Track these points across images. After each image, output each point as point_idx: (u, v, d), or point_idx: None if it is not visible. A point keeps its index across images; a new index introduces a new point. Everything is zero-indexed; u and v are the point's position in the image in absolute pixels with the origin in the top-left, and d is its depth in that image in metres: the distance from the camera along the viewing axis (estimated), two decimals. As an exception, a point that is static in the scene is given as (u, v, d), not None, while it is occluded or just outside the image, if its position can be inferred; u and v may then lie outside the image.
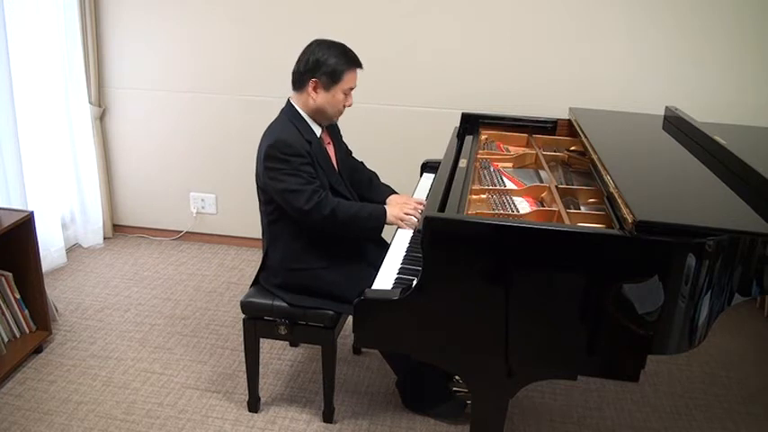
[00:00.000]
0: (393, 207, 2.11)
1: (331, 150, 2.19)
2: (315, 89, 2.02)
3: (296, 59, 2.07)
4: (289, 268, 2.10)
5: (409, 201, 2.18)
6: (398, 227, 2.09)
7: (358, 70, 2.07)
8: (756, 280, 1.51)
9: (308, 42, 2.07)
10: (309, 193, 1.96)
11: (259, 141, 2.07)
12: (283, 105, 2.13)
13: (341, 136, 2.31)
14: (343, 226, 2.02)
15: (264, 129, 2.09)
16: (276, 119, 2.11)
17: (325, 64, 1.99)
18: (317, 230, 2.05)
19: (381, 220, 2.06)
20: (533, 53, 3.03)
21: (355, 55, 2.05)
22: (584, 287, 1.46)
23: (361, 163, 2.40)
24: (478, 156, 2.29)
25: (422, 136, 3.18)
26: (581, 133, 2.19)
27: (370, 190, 2.33)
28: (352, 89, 2.07)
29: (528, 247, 1.47)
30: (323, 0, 3.11)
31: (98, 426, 2.18)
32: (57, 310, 2.83)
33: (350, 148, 2.37)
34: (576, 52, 3.00)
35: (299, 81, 2.06)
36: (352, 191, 2.23)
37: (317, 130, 2.10)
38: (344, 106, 2.08)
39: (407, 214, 2.08)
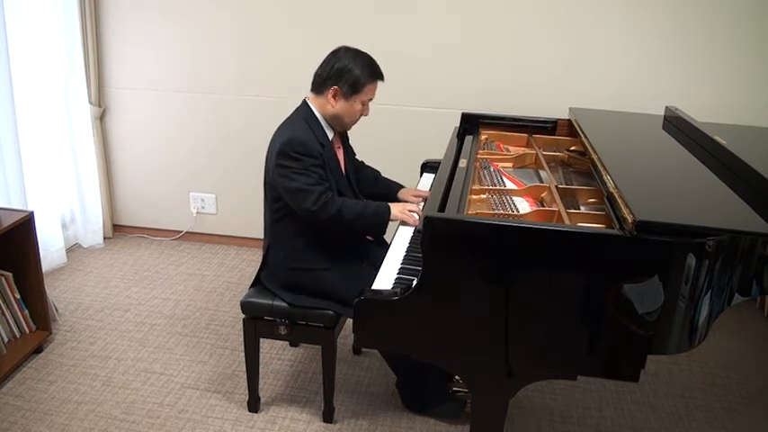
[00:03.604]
0: (397, 204, 2.12)
1: (340, 155, 2.20)
2: (334, 97, 2.03)
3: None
4: (289, 267, 2.10)
5: (418, 192, 2.19)
6: (402, 221, 2.11)
7: (379, 82, 2.08)
8: (756, 280, 1.51)
9: (328, 45, 2.08)
10: (318, 194, 1.97)
11: (261, 140, 2.07)
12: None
13: (348, 140, 2.32)
14: (349, 224, 2.02)
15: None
16: (290, 117, 2.11)
17: (349, 73, 2.00)
18: (321, 229, 2.06)
19: (386, 216, 2.06)
20: (533, 53, 3.03)
21: (379, 68, 2.06)
22: (585, 287, 1.46)
23: (361, 162, 2.41)
24: (478, 156, 2.29)
25: (422, 136, 3.18)
26: (581, 133, 2.19)
27: (377, 186, 2.35)
28: (370, 100, 2.08)
29: (528, 248, 1.47)
30: (323, 0, 3.11)
31: (98, 426, 2.18)
32: (57, 310, 2.83)
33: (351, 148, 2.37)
34: (577, 52, 3.00)
35: (320, 85, 2.06)
36: (359, 195, 2.25)
37: (330, 134, 2.11)
38: (361, 116, 2.10)
39: (411, 211, 2.10)
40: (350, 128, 2.18)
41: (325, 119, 2.09)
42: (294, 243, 2.10)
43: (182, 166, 3.55)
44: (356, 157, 2.39)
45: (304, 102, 2.11)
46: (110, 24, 3.34)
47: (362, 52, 2.06)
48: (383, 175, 2.43)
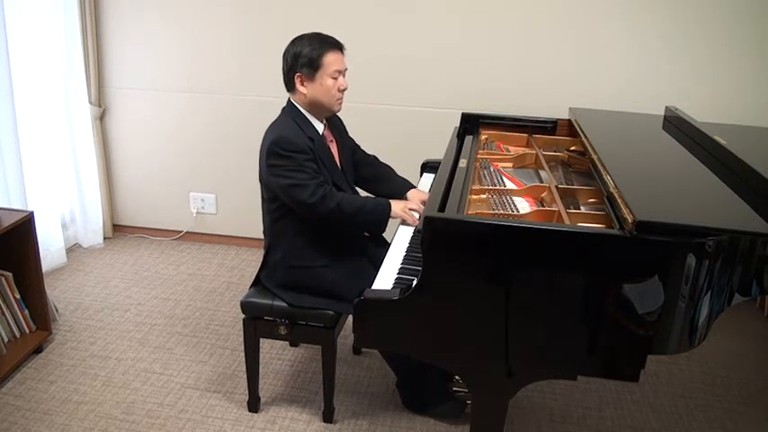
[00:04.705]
0: (398, 202, 2.11)
1: (334, 148, 2.19)
2: (302, 84, 2.04)
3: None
4: (289, 266, 2.10)
5: (425, 198, 2.18)
6: (402, 220, 2.11)
7: (342, 52, 2.06)
8: (756, 280, 1.51)
9: None
10: (314, 187, 1.97)
11: (261, 140, 2.08)
12: (282, 105, 2.14)
13: (346, 133, 2.31)
14: (348, 219, 2.02)
15: (264, 128, 2.10)
16: (278, 117, 2.11)
17: (301, 55, 2.00)
18: (321, 226, 2.06)
19: (386, 213, 2.06)
20: (533, 53, 3.03)
21: (330, 38, 2.05)
22: (584, 287, 1.46)
23: (374, 157, 2.39)
24: (478, 156, 2.29)
25: (422, 136, 3.18)
26: (581, 133, 2.19)
27: (384, 183, 2.32)
28: (340, 72, 2.05)
29: (528, 248, 1.47)
30: (323, 1, 3.11)
31: (98, 426, 2.18)
32: (57, 310, 2.83)
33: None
34: (576, 52, 3.00)
35: (288, 81, 2.08)
36: (355, 189, 2.24)
37: (320, 128, 2.11)
38: (340, 91, 2.06)
39: (411, 210, 2.10)
40: (336, 109, 2.11)
41: (309, 111, 2.08)
42: (294, 241, 2.10)
43: (182, 166, 3.55)
44: (365, 151, 2.38)
45: (288, 101, 2.12)
46: (110, 24, 3.34)
47: (307, 33, 2.06)
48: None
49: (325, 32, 2.08)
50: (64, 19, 3.16)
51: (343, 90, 2.08)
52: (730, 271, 1.46)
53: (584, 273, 1.46)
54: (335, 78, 2.04)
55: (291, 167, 1.98)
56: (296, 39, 2.06)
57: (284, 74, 2.07)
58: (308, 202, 1.97)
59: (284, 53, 2.06)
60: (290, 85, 2.08)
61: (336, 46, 2.05)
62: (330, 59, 2.01)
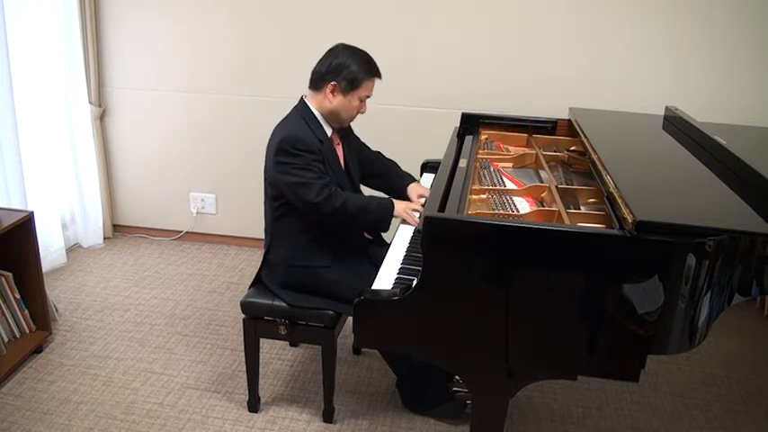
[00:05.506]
0: (401, 202, 2.13)
1: (340, 151, 2.21)
2: (332, 92, 2.05)
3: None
4: (290, 265, 2.11)
5: (424, 192, 2.22)
6: (405, 220, 2.12)
7: (376, 80, 2.10)
8: (756, 280, 1.51)
9: (328, 45, 2.10)
10: (320, 187, 1.98)
11: (260, 140, 2.08)
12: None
13: (353, 134, 2.33)
14: (353, 218, 2.04)
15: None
16: (288, 115, 2.13)
17: (348, 69, 2.02)
18: (324, 224, 2.07)
19: (389, 212, 2.08)
20: (533, 53, 3.03)
21: (377, 65, 2.09)
22: (584, 287, 1.46)
23: (378, 152, 2.42)
24: (478, 156, 2.29)
25: (422, 136, 3.18)
26: (581, 133, 2.19)
27: (388, 178, 2.35)
28: (368, 97, 2.10)
29: (528, 248, 1.47)
30: (323, 1, 3.11)
31: (98, 426, 2.18)
32: (57, 310, 2.83)
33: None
34: (577, 52, 3.00)
35: (318, 81, 2.08)
36: (360, 192, 2.26)
37: (329, 131, 2.13)
38: (358, 113, 2.12)
39: (414, 210, 2.11)
40: (347, 124, 2.19)
41: (323, 115, 2.10)
42: (295, 241, 2.11)
43: (182, 166, 3.55)
44: (369, 147, 2.40)
45: (301, 100, 2.13)
46: (110, 24, 3.34)
47: (360, 49, 2.08)
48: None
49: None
50: (64, 19, 3.15)
51: (362, 113, 2.13)
52: (730, 271, 1.46)
53: (584, 273, 1.46)
54: (362, 101, 2.08)
55: (299, 166, 1.99)
56: (345, 48, 2.06)
57: (318, 73, 2.07)
58: (313, 201, 1.98)
59: (328, 55, 2.06)
60: (317, 86, 2.08)
61: (379, 76, 2.09)
62: (368, 85, 2.07)
